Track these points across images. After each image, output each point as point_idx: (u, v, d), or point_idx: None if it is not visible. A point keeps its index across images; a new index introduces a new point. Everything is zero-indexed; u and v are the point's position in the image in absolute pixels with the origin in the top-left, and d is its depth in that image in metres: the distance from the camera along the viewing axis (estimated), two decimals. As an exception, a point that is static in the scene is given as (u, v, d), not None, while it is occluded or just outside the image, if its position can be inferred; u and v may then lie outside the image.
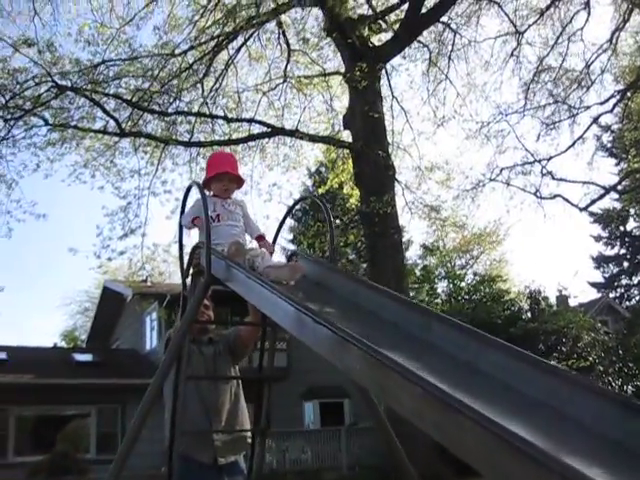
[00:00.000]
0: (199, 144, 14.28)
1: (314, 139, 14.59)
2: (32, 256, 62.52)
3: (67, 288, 71.05)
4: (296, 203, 4.09)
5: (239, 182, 3.90)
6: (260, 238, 3.71)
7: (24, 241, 54.15)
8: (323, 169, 22.70)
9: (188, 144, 14.24)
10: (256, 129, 14.69)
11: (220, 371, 4.08)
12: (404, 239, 33.57)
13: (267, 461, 17.22)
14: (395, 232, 13.18)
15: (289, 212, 4.08)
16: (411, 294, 22.27)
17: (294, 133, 14.03)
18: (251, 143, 14.81)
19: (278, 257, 3.83)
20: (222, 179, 3.74)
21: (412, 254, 33.28)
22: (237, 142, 14.58)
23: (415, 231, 52.14)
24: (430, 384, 1.69)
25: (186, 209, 3.75)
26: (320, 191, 18.86)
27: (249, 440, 3.90)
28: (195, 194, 3.73)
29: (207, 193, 3.70)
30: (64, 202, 53.46)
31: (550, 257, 61.56)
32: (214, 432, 3.81)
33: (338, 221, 19.00)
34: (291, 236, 32.73)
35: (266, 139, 14.84)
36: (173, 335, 3.55)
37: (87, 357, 21.93)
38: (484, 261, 33.51)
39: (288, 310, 2.51)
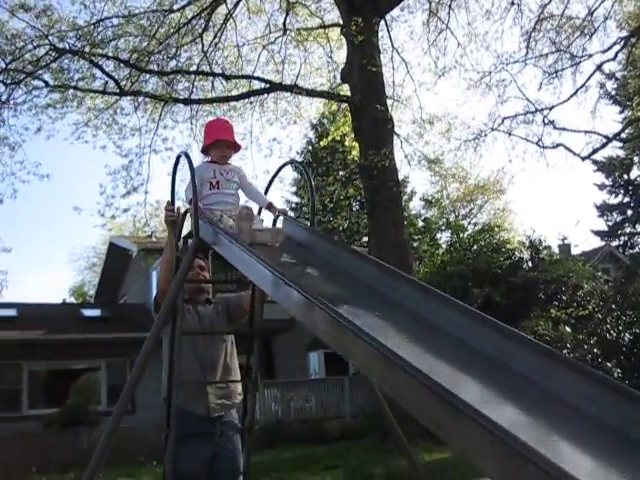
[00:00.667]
0: (198, 101, 14.37)
1: (312, 94, 14.65)
2: (40, 215, 62.96)
3: (75, 245, 71.54)
4: (280, 168, 4.22)
5: (236, 148, 4.05)
6: (270, 206, 3.90)
7: (32, 201, 54.36)
8: (326, 121, 22.69)
9: (187, 101, 14.32)
10: (255, 85, 14.74)
11: (216, 330, 4.29)
12: (407, 190, 33.85)
13: (273, 410, 17.66)
14: (394, 185, 13.31)
15: (274, 176, 4.22)
16: (415, 245, 22.57)
17: (292, 88, 14.07)
18: (250, 99, 14.86)
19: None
20: (220, 146, 3.90)
21: (415, 205, 33.48)
22: (236, 99, 14.64)
23: (418, 182, 52.38)
24: (376, 341, 1.88)
25: (177, 178, 3.95)
26: (322, 144, 18.94)
27: (240, 395, 4.17)
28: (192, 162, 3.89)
29: (206, 159, 3.99)
30: (68, 162, 53.59)
31: (553, 206, 61.56)
32: (208, 384, 4.06)
33: (341, 173, 19.17)
34: (294, 189, 32.86)
35: (265, 95, 14.88)
36: (166, 296, 3.74)
37: (95, 312, 22.30)
38: (488, 210, 33.69)
39: (264, 273, 2.70)
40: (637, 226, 36.20)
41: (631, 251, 34.44)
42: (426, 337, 2.39)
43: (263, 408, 17.24)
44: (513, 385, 2.02)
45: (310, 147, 31.96)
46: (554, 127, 20.89)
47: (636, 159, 33.05)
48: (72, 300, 38.34)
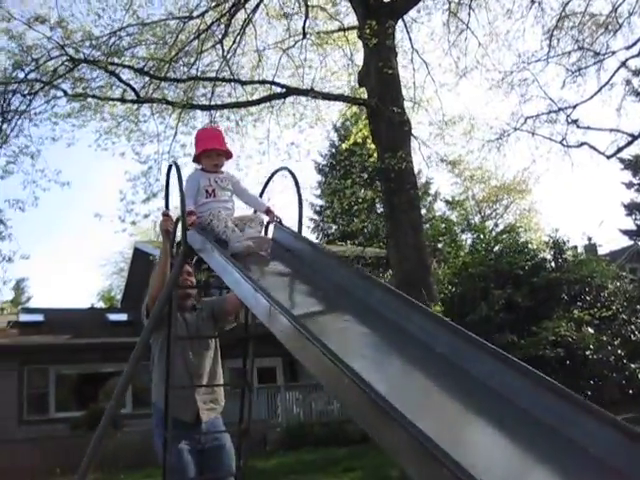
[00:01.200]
0: (215, 107, 14.48)
1: (328, 97, 14.70)
2: (67, 222, 63.70)
3: (103, 250, 72.39)
4: (272, 176, 4.23)
5: (228, 155, 4.04)
6: (268, 211, 3.89)
7: (62, 207, 55.06)
8: (348, 123, 22.74)
9: (205, 107, 14.45)
10: (272, 90, 14.82)
11: (207, 336, 4.40)
12: (431, 192, 33.74)
13: (295, 413, 17.74)
14: (411, 187, 13.29)
15: (267, 183, 4.25)
16: (439, 246, 22.48)
17: (308, 92, 14.13)
18: (267, 103, 14.95)
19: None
20: (210, 155, 3.92)
21: (441, 206, 33.39)
22: (252, 104, 14.73)
23: (443, 184, 52.06)
24: (325, 347, 1.92)
25: (170, 188, 4.02)
26: (344, 146, 18.98)
27: (222, 402, 4.35)
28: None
29: (198, 167, 3.99)
30: (90, 169, 54.39)
31: (580, 206, 60.96)
32: (198, 387, 4.20)
33: (364, 176, 19.16)
34: (318, 191, 32.95)
35: (281, 99, 14.95)
36: (157, 301, 3.82)
37: (121, 317, 22.58)
38: (513, 211, 33.46)
39: (239, 280, 2.76)
40: (666, 225, 35.70)
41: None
42: (389, 342, 2.43)
43: (285, 411, 17.33)
44: (463, 388, 2.05)
45: (333, 150, 32.10)
46: (578, 126, 20.71)
47: (664, 157, 32.58)
48: (100, 305, 38.82)
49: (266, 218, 3.89)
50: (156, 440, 4.06)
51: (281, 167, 4.17)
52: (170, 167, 3.97)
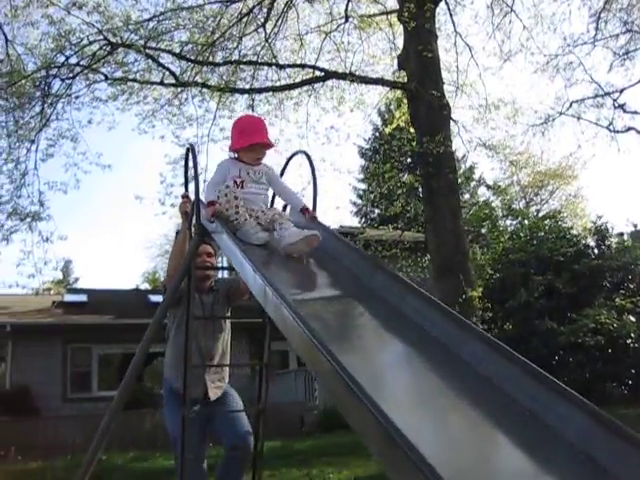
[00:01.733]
0: (254, 90, 14.50)
1: (367, 81, 14.63)
2: (115, 204, 64.65)
3: (149, 232, 73.38)
4: (289, 159, 4.21)
5: (270, 147, 3.82)
6: (305, 210, 3.63)
7: (114, 191, 55.84)
8: (392, 107, 22.64)
9: (244, 91, 14.50)
10: (311, 73, 14.81)
11: (217, 320, 4.51)
12: (475, 177, 33.41)
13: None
14: (450, 172, 13.18)
15: (285, 167, 4.24)
16: (482, 231, 22.29)
17: (347, 76, 14.08)
18: (306, 87, 14.94)
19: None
20: (255, 148, 3.67)
21: (485, 191, 33.08)
22: (291, 87, 14.74)
23: (487, 169, 51.48)
24: (309, 327, 1.95)
25: (193, 170, 3.97)
26: (386, 130, 18.88)
27: (227, 379, 4.55)
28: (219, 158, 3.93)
29: (232, 156, 3.75)
30: (132, 152, 55.19)
31: (627, 192, 59.75)
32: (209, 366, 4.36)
33: (408, 161, 19.09)
34: (361, 176, 32.90)
35: (321, 83, 14.94)
36: (173, 280, 3.89)
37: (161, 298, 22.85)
38: (559, 197, 32.97)
39: (242, 261, 2.80)
40: None
41: None
42: (384, 326, 2.44)
43: (322, 393, 17.41)
44: (449, 372, 2.06)
45: (377, 134, 31.97)
46: (624, 110, 20.30)
47: None
48: (145, 286, 39.39)
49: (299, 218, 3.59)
50: (165, 412, 4.28)
51: (298, 151, 4.18)
52: (188, 150, 4.02)
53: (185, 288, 3.89)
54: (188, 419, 3.84)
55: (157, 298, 23.21)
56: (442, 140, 12.77)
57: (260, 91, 14.67)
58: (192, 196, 4.00)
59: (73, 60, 12.71)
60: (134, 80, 13.28)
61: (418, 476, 1.38)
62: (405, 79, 14.28)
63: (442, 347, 2.23)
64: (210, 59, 14.49)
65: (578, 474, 1.63)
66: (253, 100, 14.87)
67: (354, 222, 32.38)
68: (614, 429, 1.64)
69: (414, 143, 14.13)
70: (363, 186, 32.63)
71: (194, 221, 3.76)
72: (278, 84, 14.91)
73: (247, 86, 14.80)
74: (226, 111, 14.57)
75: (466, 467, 1.58)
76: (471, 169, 32.91)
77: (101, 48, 12.73)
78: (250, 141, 3.63)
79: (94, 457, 3.39)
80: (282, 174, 4.24)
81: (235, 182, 3.58)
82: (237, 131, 3.75)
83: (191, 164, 3.90)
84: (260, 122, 3.89)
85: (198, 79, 14.19)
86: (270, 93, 14.96)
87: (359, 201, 33.39)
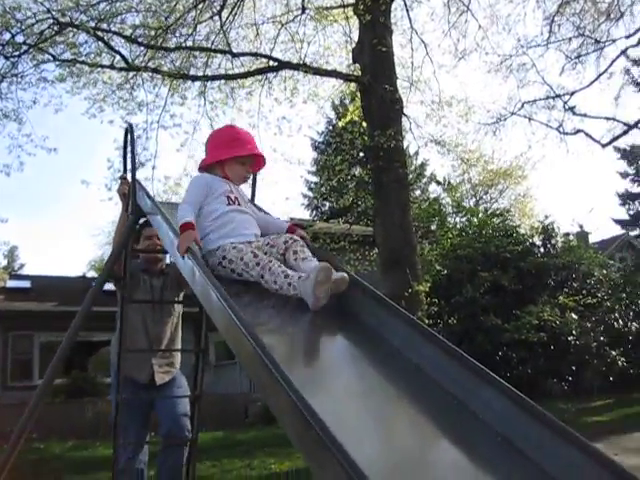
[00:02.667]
0: (206, 78, 14.37)
1: (320, 72, 14.58)
2: (62, 190, 63.58)
3: (97, 219, 72.38)
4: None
5: (260, 166, 3.25)
6: (292, 230, 3.02)
7: (54, 175, 54.89)
8: (347, 101, 22.62)
9: (196, 78, 14.34)
10: (265, 63, 14.71)
11: (166, 304, 4.44)
12: (427, 173, 33.65)
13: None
14: (400, 166, 13.20)
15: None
16: (432, 228, 22.44)
17: (300, 66, 14.02)
18: (259, 76, 14.83)
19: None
20: (245, 162, 3.08)
21: (436, 188, 33.32)
22: (244, 76, 14.62)
23: (440, 166, 51.94)
24: (231, 306, 1.91)
25: (133, 151, 3.85)
26: (340, 124, 18.86)
27: (178, 365, 4.47)
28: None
29: (209, 174, 3.10)
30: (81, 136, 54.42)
31: (576, 193, 61.04)
32: (153, 353, 4.27)
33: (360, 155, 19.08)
34: (314, 169, 32.88)
35: (274, 73, 14.85)
36: (105, 263, 3.83)
37: (110, 286, 22.50)
38: (509, 196, 33.37)
39: (173, 241, 2.73)
40: (659, 216, 35.70)
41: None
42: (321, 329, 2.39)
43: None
44: (376, 357, 2.04)
45: (330, 127, 31.97)
46: (574, 113, 20.62)
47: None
48: (92, 274, 38.78)
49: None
50: (111, 398, 4.25)
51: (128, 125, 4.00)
52: (127, 130, 3.94)
53: (133, 270, 3.87)
54: (125, 403, 3.81)
55: (107, 286, 22.90)
56: (393, 134, 12.79)
57: (213, 79, 14.54)
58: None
59: (19, 38, 12.38)
60: (83, 62, 13.01)
61: (330, 457, 1.35)
62: (359, 72, 14.28)
63: (365, 327, 2.21)
64: (163, 45, 14.28)
65: (496, 455, 1.62)
66: (205, 87, 14.74)
67: (305, 215, 32.35)
68: (534, 413, 1.64)
69: (366, 137, 14.15)
70: (315, 179, 32.61)
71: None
72: (231, 72, 14.78)
73: (200, 73, 14.64)
74: (177, 98, 14.41)
75: (383, 450, 1.57)
76: (423, 166, 33.15)
77: (49, 27, 12.41)
78: (243, 151, 3.02)
79: (17, 442, 3.31)
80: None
81: (229, 198, 2.93)
82: (222, 141, 3.09)
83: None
84: (250, 135, 3.22)
85: (150, 65, 13.98)
86: (223, 81, 14.84)
87: (311, 194, 33.37)
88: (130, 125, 3.87)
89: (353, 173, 16.66)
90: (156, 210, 3.19)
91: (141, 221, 3.83)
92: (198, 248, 2.64)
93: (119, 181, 4.25)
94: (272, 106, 15.82)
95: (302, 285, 2.37)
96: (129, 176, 3.94)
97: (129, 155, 3.85)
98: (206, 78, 14.30)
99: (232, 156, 3.02)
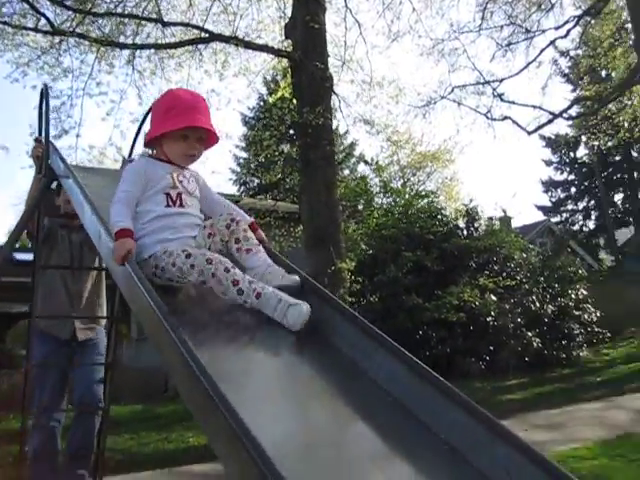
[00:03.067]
0: (135, 46, 14.09)
1: (251, 46, 14.47)
2: (-13, 153, 61.50)
3: (18, 189, 70.35)
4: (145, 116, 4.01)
5: (212, 142, 2.61)
6: (254, 227, 2.53)
7: None
8: (279, 77, 22.51)
9: (124, 46, 14.05)
10: (196, 34, 14.52)
11: (85, 259, 4.42)
12: (356, 153, 33.83)
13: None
14: (328, 144, 13.25)
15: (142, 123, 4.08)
16: (359, 208, 22.58)
17: (231, 39, 13.89)
18: (189, 47, 14.64)
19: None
20: (189, 136, 2.48)
21: (365, 169, 33.51)
22: (174, 46, 14.40)
23: (370, 147, 52.30)
24: (136, 270, 1.89)
25: (48, 114, 3.75)
26: (270, 100, 18.79)
27: (103, 322, 4.37)
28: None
29: (146, 153, 2.67)
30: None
31: (501, 179, 62.59)
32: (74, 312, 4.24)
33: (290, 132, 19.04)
34: (244, 144, 32.67)
35: (205, 45, 14.67)
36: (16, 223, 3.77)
37: (28, 256, 21.98)
38: (436, 179, 33.87)
39: (86, 209, 2.68)
40: (579, 204, 36.83)
41: (572, 227, 35.16)
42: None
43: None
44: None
45: (262, 103, 31.76)
46: (502, 99, 21.05)
47: (584, 138, 33.43)
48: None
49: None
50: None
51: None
52: (42, 91, 3.84)
53: (50, 227, 3.84)
54: (44, 362, 3.79)
55: (25, 257, 22.35)
56: (322, 112, 12.82)
57: (142, 47, 14.28)
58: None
59: None
60: (5, 23, 12.60)
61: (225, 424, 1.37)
62: (290, 48, 14.23)
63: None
64: (92, 10, 13.91)
65: (385, 414, 1.66)
66: (134, 56, 14.48)
67: (233, 190, 32.16)
68: (423, 375, 1.68)
69: (295, 113, 14.13)
70: (244, 155, 32.43)
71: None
72: (161, 42, 14.54)
73: (129, 42, 14.35)
74: (105, 65, 14.11)
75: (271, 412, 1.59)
76: (352, 145, 33.32)
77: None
78: (179, 123, 2.41)
79: None
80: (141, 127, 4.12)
81: (169, 196, 2.42)
82: (163, 109, 2.51)
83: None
84: (201, 100, 2.56)
85: (78, 30, 13.62)
86: (152, 51, 14.60)
87: (239, 170, 33.18)
88: (45, 86, 3.77)
89: (282, 150, 16.61)
90: (68, 173, 3.13)
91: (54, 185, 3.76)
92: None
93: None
94: (202, 78, 15.73)
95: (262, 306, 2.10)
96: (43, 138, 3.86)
97: (44, 117, 3.75)
98: (135, 47, 14.03)
99: (166, 131, 2.45)
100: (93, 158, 14.14)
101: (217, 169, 42.22)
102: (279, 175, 16.04)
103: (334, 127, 14.42)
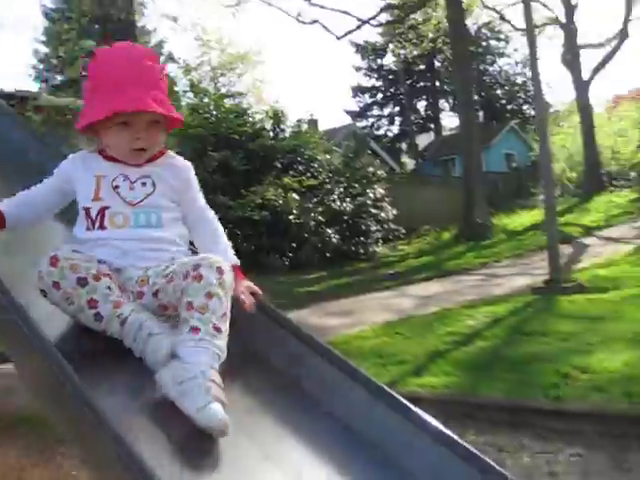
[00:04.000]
0: None
1: None
2: None
3: None
4: None
5: (173, 123, 1.90)
6: (239, 275, 1.84)
7: None
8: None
9: None
10: None
11: None
12: (163, 52, 32.97)
13: None
14: (131, 40, 12.96)
15: None
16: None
17: None
18: None
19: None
20: (130, 122, 1.76)
21: (173, 68, 32.83)
22: None
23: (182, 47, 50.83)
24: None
25: None
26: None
27: None
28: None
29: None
30: None
31: (311, 83, 63.59)
32: None
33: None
34: (44, 37, 30.82)
35: None
36: None
37: None
38: (246, 81, 33.85)
39: None
40: (384, 109, 38.34)
41: (377, 132, 36.62)
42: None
43: None
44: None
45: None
46: (311, 3, 21.32)
47: (391, 46, 34.58)
48: None
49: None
50: None
51: None
52: None
53: None
54: None
55: None
56: (123, 5, 12.48)
57: None
58: None
59: None
60: None
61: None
62: None
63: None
64: None
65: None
66: None
67: (33, 87, 30.36)
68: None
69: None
70: (45, 49, 30.59)
71: None
72: None
73: None
74: None
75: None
76: (160, 44, 32.34)
77: None
78: (109, 107, 1.71)
79: None
80: None
81: (88, 217, 1.77)
82: (89, 87, 1.81)
83: None
84: (142, 65, 1.77)
85: None
86: None
87: (41, 66, 31.29)
88: None
89: (83, 45, 15.95)
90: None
91: None
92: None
93: None
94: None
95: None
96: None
97: None
98: None
99: (92, 121, 1.76)
100: None
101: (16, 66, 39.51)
102: (81, 72, 15.42)
103: (141, 25, 14.06)
